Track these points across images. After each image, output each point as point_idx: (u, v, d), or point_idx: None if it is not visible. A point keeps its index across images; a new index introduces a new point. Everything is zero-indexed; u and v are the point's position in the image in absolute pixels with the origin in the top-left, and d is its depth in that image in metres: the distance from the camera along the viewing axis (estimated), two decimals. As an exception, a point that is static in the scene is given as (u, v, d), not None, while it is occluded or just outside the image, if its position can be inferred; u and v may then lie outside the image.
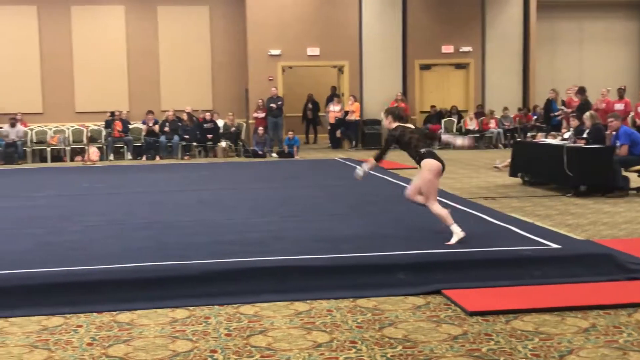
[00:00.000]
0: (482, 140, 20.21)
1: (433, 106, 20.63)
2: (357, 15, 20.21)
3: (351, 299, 5.60)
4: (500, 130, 20.30)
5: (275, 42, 19.84)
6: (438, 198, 7.31)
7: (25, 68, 19.56)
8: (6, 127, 18.03)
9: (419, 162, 7.06)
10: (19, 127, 18.20)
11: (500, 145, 20.00)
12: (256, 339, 4.74)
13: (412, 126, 7.33)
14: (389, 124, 7.28)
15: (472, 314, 5.19)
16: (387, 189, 11.51)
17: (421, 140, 7.15)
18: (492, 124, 20.33)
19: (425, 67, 20.96)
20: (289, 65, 20.33)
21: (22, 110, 19.11)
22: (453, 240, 6.94)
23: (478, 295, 5.60)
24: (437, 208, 7.10)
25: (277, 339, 4.74)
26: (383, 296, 5.67)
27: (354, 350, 4.53)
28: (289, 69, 20.55)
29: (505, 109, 20.64)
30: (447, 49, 20.74)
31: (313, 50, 20.07)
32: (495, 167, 14.07)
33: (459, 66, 21.22)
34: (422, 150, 7.04)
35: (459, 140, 8.01)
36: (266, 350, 4.52)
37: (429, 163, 6.96)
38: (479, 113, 20.68)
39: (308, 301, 5.55)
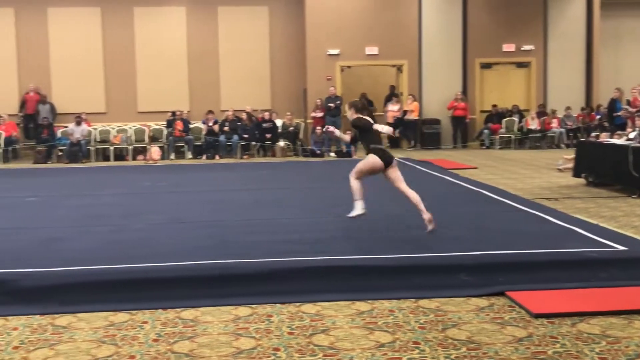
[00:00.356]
0: (544, 140, 19.90)
1: (495, 105, 20.39)
2: (416, 14, 20.11)
3: (413, 300, 5.57)
4: (563, 130, 19.96)
5: (334, 42, 19.87)
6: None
7: (90, 69, 19.97)
8: (72, 126, 18.44)
9: (367, 154, 7.71)
10: (84, 126, 18.59)
11: (562, 145, 19.66)
12: (318, 338, 4.75)
13: (371, 120, 7.76)
14: (351, 115, 7.76)
15: (537, 316, 5.11)
16: (447, 189, 11.42)
17: (375, 136, 7.70)
18: (554, 123, 20.00)
19: (486, 66, 20.73)
20: (347, 64, 20.34)
21: (86, 110, 19.52)
22: (352, 214, 7.64)
23: (543, 297, 5.52)
24: (354, 182, 7.81)
25: (339, 338, 4.75)
26: (445, 297, 5.62)
27: (417, 351, 4.50)
28: (348, 68, 20.55)
29: (568, 108, 20.29)
30: (509, 47, 20.49)
31: (372, 50, 20.04)
32: (559, 168, 13.82)
33: (520, 65, 20.93)
34: (372, 146, 7.66)
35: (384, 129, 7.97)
36: (329, 350, 4.53)
37: (372, 158, 7.63)
38: (541, 112, 20.36)
39: (369, 301, 5.53)
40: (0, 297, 5.58)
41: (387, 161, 7.62)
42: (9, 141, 18.60)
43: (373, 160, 7.61)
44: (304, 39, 20.03)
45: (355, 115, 7.70)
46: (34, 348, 4.62)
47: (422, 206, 7.45)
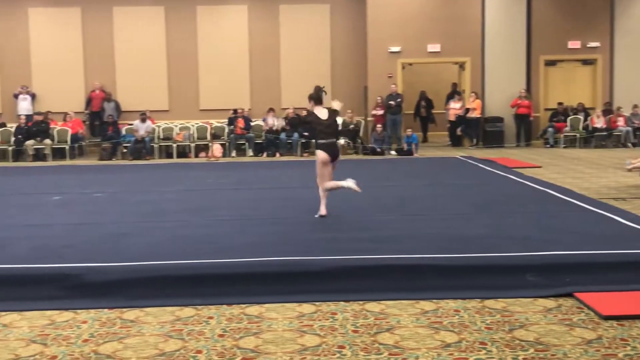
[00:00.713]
0: (609, 139, 19.46)
1: (560, 103, 19.98)
2: (479, 11, 19.85)
3: (478, 300, 5.51)
4: (629, 129, 19.47)
5: (396, 39, 19.75)
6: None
7: (153, 67, 20.25)
8: (136, 123, 18.73)
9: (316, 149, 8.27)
10: (148, 124, 18.88)
11: (629, 145, 19.19)
12: (383, 337, 4.73)
13: (325, 115, 8.24)
14: (311, 107, 8.33)
15: (607, 318, 5.00)
16: (513, 189, 11.25)
17: (323, 131, 8.21)
18: (621, 122, 19.51)
19: (551, 63, 20.34)
20: (409, 62, 20.20)
21: (149, 108, 19.81)
22: (319, 213, 8.30)
23: (612, 298, 5.40)
24: (321, 189, 8.36)
25: (404, 337, 4.72)
26: (511, 298, 5.55)
27: (483, 351, 4.45)
28: (409, 65, 20.42)
29: (635, 106, 19.78)
30: (574, 44, 20.06)
31: (434, 47, 19.85)
32: (627, 168, 13.44)
33: (586, 62, 20.48)
34: (319, 142, 8.19)
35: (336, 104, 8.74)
36: (394, 348, 4.50)
37: (317, 154, 8.21)
38: (607, 111, 19.90)
39: (434, 300, 5.49)
40: (70, 291, 5.70)
41: (333, 156, 8.36)
42: (75, 138, 19.01)
43: (321, 157, 8.30)
44: (365, 37, 19.96)
45: (310, 109, 8.28)
46: (103, 341, 4.71)
47: (325, 200, 8.37)
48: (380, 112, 19.26)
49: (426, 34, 19.74)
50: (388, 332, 4.81)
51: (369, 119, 19.88)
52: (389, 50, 19.78)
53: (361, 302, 5.45)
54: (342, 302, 5.46)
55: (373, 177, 13.52)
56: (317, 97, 8.38)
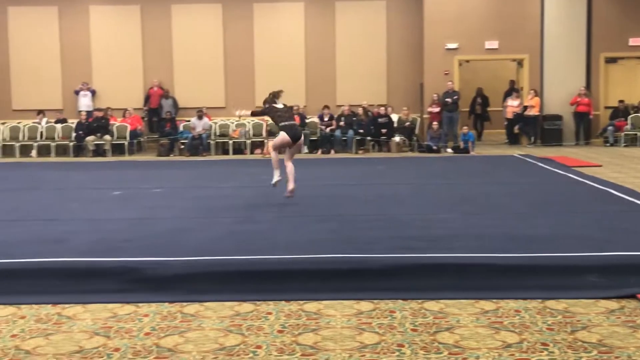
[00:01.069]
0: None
1: (621, 101, 19.57)
2: (539, 7, 19.54)
3: (540, 300, 5.42)
4: (693, 128, 18.98)
5: (453, 36, 19.58)
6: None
7: (210, 64, 20.45)
8: (194, 119, 18.95)
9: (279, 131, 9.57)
10: (205, 120, 19.07)
11: (693, 144, 18.71)
12: (443, 336, 4.69)
13: (281, 106, 9.73)
14: (263, 105, 9.98)
15: (673, 321, 4.88)
16: (573, 188, 11.06)
17: (282, 116, 9.57)
18: (684, 120, 19.04)
19: (611, 61, 19.92)
20: (466, 59, 20.01)
21: (206, 105, 20.02)
22: (272, 181, 9.67)
23: (679, 302, 5.26)
24: (273, 154, 9.78)
25: (464, 337, 4.67)
26: (573, 298, 5.45)
27: (545, 352, 4.38)
28: (466, 62, 20.23)
29: (699, 104, 19.29)
30: (635, 41, 19.60)
31: (492, 44, 19.61)
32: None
33: (648, 59, 20.03)
34: (281, 124, 9.49)
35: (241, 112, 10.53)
36: (454, 348, 4.47)
37: (281, 135, 9.46)
38: (669, 109, 19.43)
39: (494, 300, 5.43)
40: (131, 284, 5.79)
41: (295, 137, 9.50)
42: (134, 134, 19.32)
43: (282, 137, 9.50)
44: (422, 33, 19.83)
45: (267, 105, 9.81)
46: (164, 335, 4.77)
47: (292, 177, 9.44)
48: (437, 109, 19.12)
49: (484, 30, 19.52)
50: (448, 332, 4.77)
51: (424, 116, 19.76)
52: (446, 47, 19.61)
53: (420, 301, 5.42)
54: (400, 301, 5.43)
55: (429, 175, 13.45)
56: (270, 99, 9.87)
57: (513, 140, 19.74)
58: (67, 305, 5.43)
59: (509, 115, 19.67)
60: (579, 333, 4.72)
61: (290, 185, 9.49)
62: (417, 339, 4.64)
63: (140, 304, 5.44)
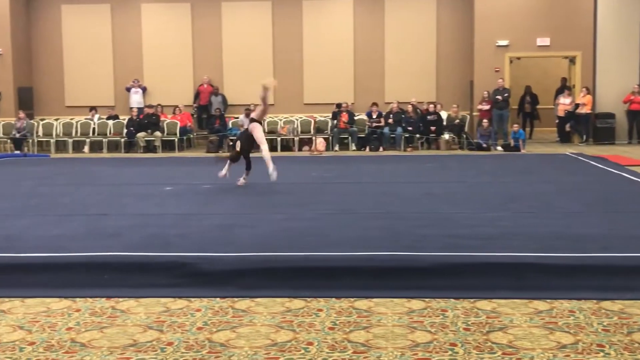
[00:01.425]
0: None
1: (676, 99, 19.17)
2: (591, 3, 19.20)
3: (594, 301, 5.33)
4: None
5: (503, 33, 19.34)
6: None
7: (259, 61, 20.51)
8: (241, 117, 19.05)
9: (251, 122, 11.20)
10: (253, 118, 19.14)
11: None
12: (496, 336, 4.64)
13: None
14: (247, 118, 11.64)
15: None
16: (627, 187, 10.86)
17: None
18: None
19: (667, 57, 19.50)
20: (516, 56, 19.76)
21: (255, 102, 20.06)
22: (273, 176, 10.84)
23: None
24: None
25: (518, 337, 4.62)
26: (629, 299, 5.35)
27: (601, 354, 4.30)
28: (517, 59, 19.98)
29: None
30: (692, 37, 19.18)
31: (543, 41, 19.32)
32: None
33: None
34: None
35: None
36: (508, 348, 4.41)
37: (258, 127, 11.26)
38: None
39: (548, 300, 5.35)
40: (184, 279, 5.84)
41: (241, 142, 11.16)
42: (183, 131, 19.51)
43: (259, 127, 11.22)
44: (472, 30, 19.64)
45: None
46: (217, 330, 4.81)
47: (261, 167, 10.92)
48: (487, 107, 18.92)
49: (535, 27, 19.25)
50: (501, 331, 4.72)
51: (474, 113, 19.57)
52: (497, 44, 19.39)
53: (472, 300, 5.36)
54: (452, 299, 5.39)
55: (479, 173, 13.33)
56: (247, 114, 11.35)
57: (564, 138, 19.44)
58: (121, 299, 5.50)
59: (561, 113, 19.37)
60: (636, 335, 4.64)
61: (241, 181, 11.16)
62: (470, 338, 4.60)
63: (192, 299, 5.48)
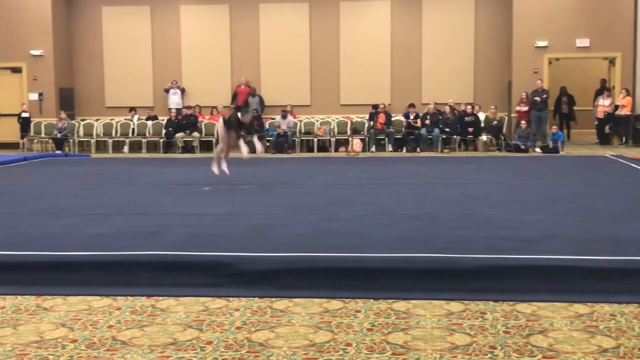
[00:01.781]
0: None
1: None
2: (632, 4, 18.97)
3: (636, 305, 5.26)
4: None
5: (542, 33, 19.19)
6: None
7: (296, 62, 20.61)
8: (278, 118, 19.14)
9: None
10: (290, 119, 19.24)
11: None
12: (536, 339, 4.60)
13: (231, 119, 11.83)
14: (224, 125, 11.85)
15: None
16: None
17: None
18: None
19: None
20: (555, 57, 19.57)
21: (292, 103, 20.19)
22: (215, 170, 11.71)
23: None
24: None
25: (558, 340, 4.57)
26: (672, 304, 5.27)
27: (644, 359, 4.25)
28: (556, 60, 19.79)
29: None
30: None
31: (583, 42, 19.13)
32: None
33: None
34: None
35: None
36: (548, 351, 4.38)
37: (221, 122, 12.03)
38: None
39: (589, 304, 5.29)
40: (223, 278, 5.88)
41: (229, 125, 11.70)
42: (221, 131, 19.62)
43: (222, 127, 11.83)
44: (511, 31, 19.51)
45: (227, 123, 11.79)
46: (255, 329, 4.83)
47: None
48: (525, 108, 18.78)
49: (575, 28, 19.07)
50: (541, 335, 4.68)
51: (512, 115, 19.42)
52: (535, 45, 19.24)
53: (511, 303, 5.32)
54: (491, 302, 5.35)
55: (518, 174, 13.22)
56: (228, 121, 11.80)
57: (604, 140, 19.22)
58: (160, 298, 5.56)
59: (600, 115, 19.16)
60: (679, 340, 4.57)
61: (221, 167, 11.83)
62: (510, 341, 4.56)
63: (231, 298, 5.52)
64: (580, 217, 8.34)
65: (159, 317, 5.14)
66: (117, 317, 5.14)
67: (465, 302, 5.37)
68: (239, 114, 12.33)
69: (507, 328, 4.81)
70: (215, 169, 11.78)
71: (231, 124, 11.75)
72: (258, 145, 12.45)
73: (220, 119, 12.23)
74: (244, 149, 11.78)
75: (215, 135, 12.12)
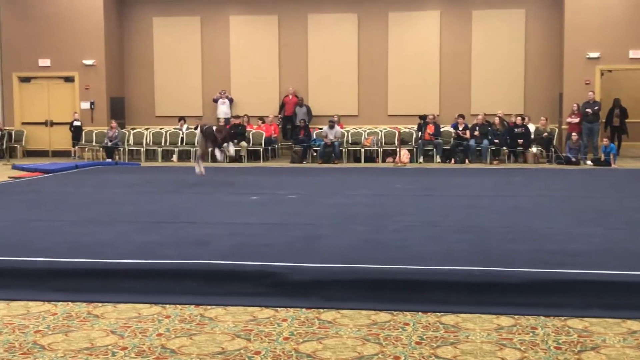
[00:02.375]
0: None
1: None
2: (688, 14, 18.59)
3: (692, 322, 5.13)
4: None
5: (594, 45, 18.90)
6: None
7: (344, 73, 20.62)
8: (325, 128, 19.16)
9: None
10: (337, 129, 19.24)
11: None
12: (588, 355, 4.51)
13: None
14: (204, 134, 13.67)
15: None
16: None
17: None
18: None
19: None
20: (608, 68, 19.26)
21: (339, 113, 20.20)
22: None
23: None
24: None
25: (611, 357, 4.48)
26: None
27: (701, 379, 4.13)
28: (608, 72, 19.46)
29: None
30: None
31: (636, 53, 18.79)
32: None
33: None
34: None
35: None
36: (601, 369, 4.29)
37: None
38: None
39: (641, 320, 5.18)
40: (270, 288, 5.89)
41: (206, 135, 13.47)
42: (268, 141, 19.74)
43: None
44: (562, 42, 19.25)
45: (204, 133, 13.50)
46: (303, 340, 4.82)
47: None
48: (576, 120, 18.48)
49: (628, 39, 18.74)
50: (593, 351, 4.58)
51: (563, 127, 19.15)
52: (587, 56, 18.96)
53: (563, 318, 5.23)
54: (542, 317, 5.26)
55: (569, 187, 13.03)
56: (205, 132, 13.45)
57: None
58: (209, 307, 5.58)
59: (653, 127, 18.76)
60: None
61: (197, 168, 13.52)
62: (561, 357, 4.48)
63: (278, 309, 5.52)
64: (633, 231, 8.17)
65: (207, 326, 5.16)
66: (166, 325, 5.18)
67: (516, 316, 5.29)
68: (214, 128, 13.72)
69: (558, 344, 4.73)
70: (198, 170, 13.49)
71: (207, 135, 13.51)
72: (231, 149, 14.01)
73: (199, 129, 14.17)
74: (218, 154, 13.61)
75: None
